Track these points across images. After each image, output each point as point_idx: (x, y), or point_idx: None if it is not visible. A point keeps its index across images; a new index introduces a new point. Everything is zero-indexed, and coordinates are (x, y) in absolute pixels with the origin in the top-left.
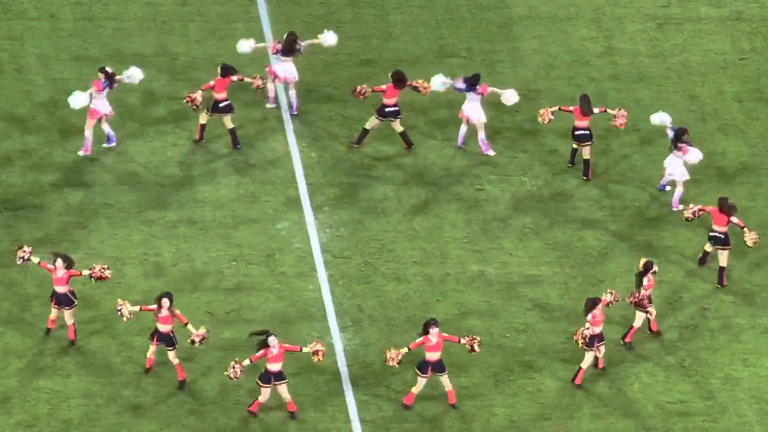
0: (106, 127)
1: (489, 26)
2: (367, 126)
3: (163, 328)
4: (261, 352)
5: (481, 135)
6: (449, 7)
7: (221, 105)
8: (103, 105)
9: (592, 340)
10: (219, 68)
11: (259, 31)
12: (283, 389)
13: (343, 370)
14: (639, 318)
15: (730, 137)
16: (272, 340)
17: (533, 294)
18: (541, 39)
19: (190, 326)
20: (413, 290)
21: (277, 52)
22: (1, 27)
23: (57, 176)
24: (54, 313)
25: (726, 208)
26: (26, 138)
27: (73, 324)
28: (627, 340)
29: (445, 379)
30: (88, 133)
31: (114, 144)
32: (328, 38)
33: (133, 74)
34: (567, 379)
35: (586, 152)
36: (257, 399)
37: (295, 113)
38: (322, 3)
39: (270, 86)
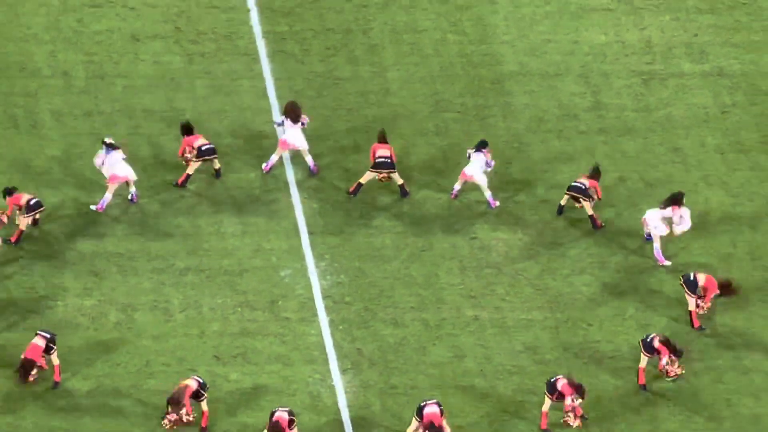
0: (131, 189)
1: (482, 82)
2: (362, 180)
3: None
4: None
5: (487, 193)
6: (444, 64)
7: (204, 149)
8: (121, 168)
9: (557, 392)
10: (181, 129)
11: (262, 87)
12: None
13: (344, 411)
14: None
15: (713, 187)
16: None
17: (525, 338)
18: (531, 94)
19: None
20: (411, 334)
21: (282, 123)
22: (17, 84)
23: (70, 226)
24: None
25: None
26: (41, 190)
27: (58, 366)
28: (641, 382)
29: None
30: (108, 195)
31: (135, 203)
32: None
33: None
34: (558, 420)
35: (587, 207)
36: None
37: (316, 173)
38: (322, 61)
39: (274, 157)
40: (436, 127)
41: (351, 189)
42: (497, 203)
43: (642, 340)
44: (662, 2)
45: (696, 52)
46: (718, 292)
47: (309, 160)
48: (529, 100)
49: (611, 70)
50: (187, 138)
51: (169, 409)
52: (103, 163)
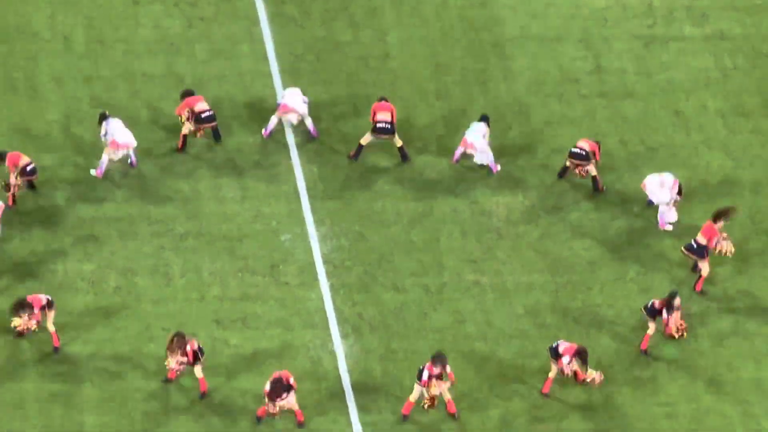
0: (131, 154)
1: (482, 45)
2: (362, 141)
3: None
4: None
5: (490, 158)
6: (444, 27)
7: (203, 116)
8: (122, 135)
9: (560, 356)
10: (181, 95)
11: (262, 51)
12: (291, 402)
13: (345, 375)
14: (651, 327)
15: (714, 151)
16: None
17: (526, 301)
18: (532, 57)
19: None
20: (411, 299)
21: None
22: (17, 48)
23: (69, 191)
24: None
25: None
26: (41, 154)
27: (55, 332)
28: (643, 347)
29: (445, 389)
30: (105, 158)
31: (134, 168)
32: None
33: (113, 130)
34: (558, 383)
35: (592, 169)
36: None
37: (316, 137)
38: (322, 24)
39: (273, 119)
40: (436, 91)
41: (352, 153)
42: (498, 168)
43: (644, 307)
44: None
45: (697, 15)
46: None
47: (309, 123)
48: (529, 64)
49: (612, 34)
50: (188, 99)
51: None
52: (105, 133)
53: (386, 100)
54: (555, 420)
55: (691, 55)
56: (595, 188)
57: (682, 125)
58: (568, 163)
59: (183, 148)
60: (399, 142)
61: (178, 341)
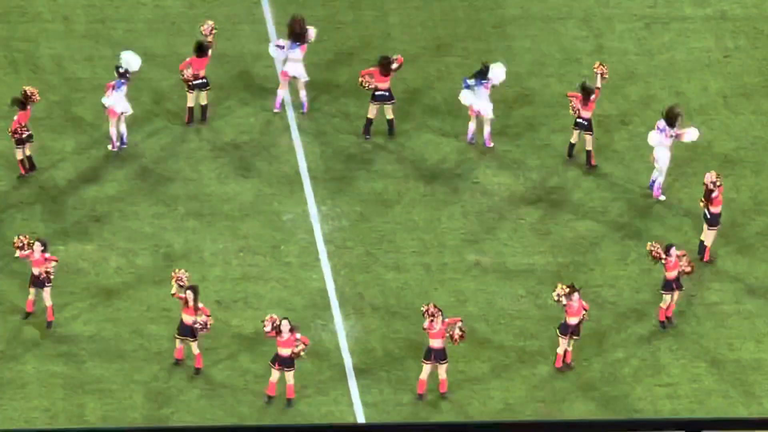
0: (122, 127)
1: (483, 26)
2: (369, 115)
3: (188, 319)
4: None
5: (488, 128)
6: (445, 8)
7: (197, 82)
8: (121, 104)
9: (566, 327)
10: (196, 48)
11: (264, 32)
12: (289, 375)
13: (346, 355)
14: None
15: (715, 131)
16: (285, 325)
17: (527, 282)
18: (533, 38)
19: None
20: (412, 279)
21: (282, 47)
22: (17, 29)
23: (71, 171)
24: (31, 294)
25: None
26: (41, 135)
27: (51, 307)
28: (662, 318)
29: (442, 368)
30: (113, 130)
31: (125, 146)
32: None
33: (129, 60)
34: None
35: (588, 142)
36: (270, 381)
37: (305, 112)
38: (324, 5)
39: (280, 92)
40: (437, 72)
41: (363, 131)
42: (492, 144)
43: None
44: None
45: None
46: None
47: (303, 95)
48: (531, 44)
49: (613, 14)
50: (195, 59)
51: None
52: (110, 95)
53: (387, 67)
54: (556, 401)
55: (692, 36)
56: (588, 162)
57: (684, 106)
58: (574, 139)
59: (190, 121)
60: (391, 114)
61: (194, 295)
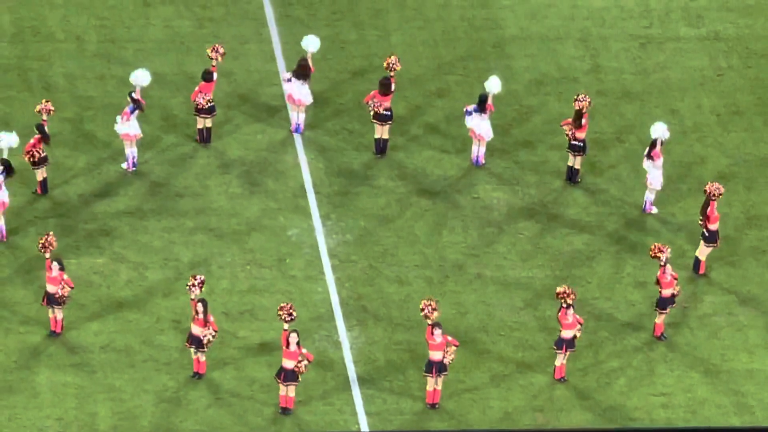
0: (134, 150)
1: (483, 46)
2: (376, 135)
3: (196, 330)
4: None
5: (483, 149)
6: (446, 28)
7: (199, 107)
8: (133, 128)
9: (561, 342)
10: (202, 75)
11: (270, 51)
12: (290, 389)
13: (350, 365)
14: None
15: (709, 148)
16: (293, 337)
17: (526, 294)
18: (532, 57)
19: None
20: (414, 291)
21: (290, 80)
22: (31, 48)
23: (82, 187)
24: (50, 312)
25: None
26: (54, 151)
27: (62, 320)
28: (657, 333)
29: (440, 380)
30: (128, 151)
31: (134, 169)
32: (310, 44)
33: (139, 76)
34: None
35: (577, 162)
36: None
37: (300, 133)
38: (329, 25)
39: (292, 115)
40: (438, 90)
41: (375, 150)
42: (484, 163)
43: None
44: None
45: (692, 17)
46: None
47: (302, 118)
48: (529, 64)
49: (610, 34)
50: (204, 85)
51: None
52: (127, 120)
53: (388, 88)
54: (554, 410)
55: (686, 55)
56: (574, 178)
57: (678, 123)
58: (574, 164)
59: (200, 141)
60: (386, 134)
61: (204, 308)
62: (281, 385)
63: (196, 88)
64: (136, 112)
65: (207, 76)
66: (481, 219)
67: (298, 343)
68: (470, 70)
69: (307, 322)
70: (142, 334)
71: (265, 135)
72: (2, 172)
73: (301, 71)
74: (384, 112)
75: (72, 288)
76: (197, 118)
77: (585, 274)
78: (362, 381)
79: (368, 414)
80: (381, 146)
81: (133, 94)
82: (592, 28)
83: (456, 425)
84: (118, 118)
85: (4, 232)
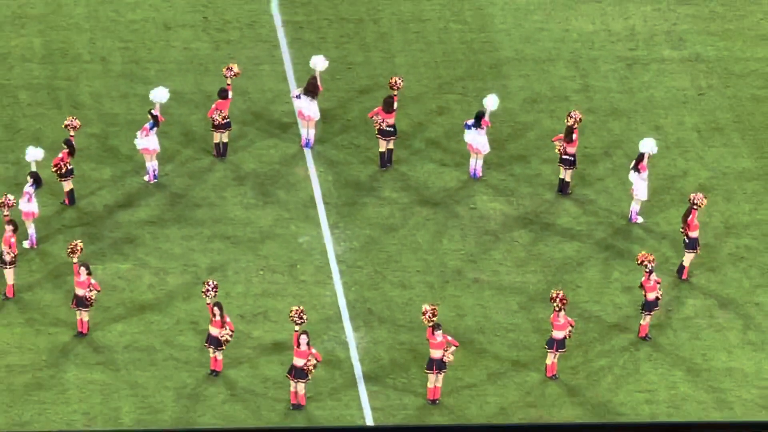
0: (155, 163)
1: (481, 67)
2: (381, 149)
3: (214, 331)
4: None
5: (481, 162)
6: (446, 50)
7: (216, 123)
8: (152, 143)
9: (552, 342)
10: (219, 93)
11: (282, 72)
12: (301, 386)
13: (356, 364)
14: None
15: (690, 162)
16: (303, 338)
17: (520, 298)
18: (526, 78)
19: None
20: (416, 295)
21: (298, 96)
22: (60, 69)
23: (107, 198)
24: (77, 315)
25: None
26: (81, 165)
27: (88, 321)
28: (642, 334)
29: (440, 377)
30: (149, 164)
31: (155, 181)
32: (318, 63)
33: (158, 94)
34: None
35: (568, 175)
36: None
37: (311, 147)
38: (337, 47)
39: (302, 131)
40: (439, 108)
41: (379, 164)
42: (481, 175)
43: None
44: None
45: (675, 40)
46: None
47: (311, 133)
48: (523, 83)
49: (598, 56)
50: (220, 102)
51: None
52: (146, 135)
53: (392, 105)
54: (546, 405)
55: (669, 76)
56: (565, 190)
57: (662, 139)
58: (567, 177)
59: (217, 154)
60: (391, 146)
61: (220, 310)
62: (292, 382)
63: (213, 106)
64: (155, 128)
65: (222, 94)
66: (478, 228)
67: (308, 344)
68: (469, 89)
69: (316, 323)
70: (163, 335)
71: (277, 149)
72: (32, 185)
73: (310, 89)
74: (387, 128)
75: (99, 291)
76: (214, 133)
77: (575, 279)
78: (368, 378)
79: (373, 409)
80: (386, 158)
81: (153, 111)
82: (582, 51)
83: (455, 420)
84: (138, 133)
85: (35, 239)
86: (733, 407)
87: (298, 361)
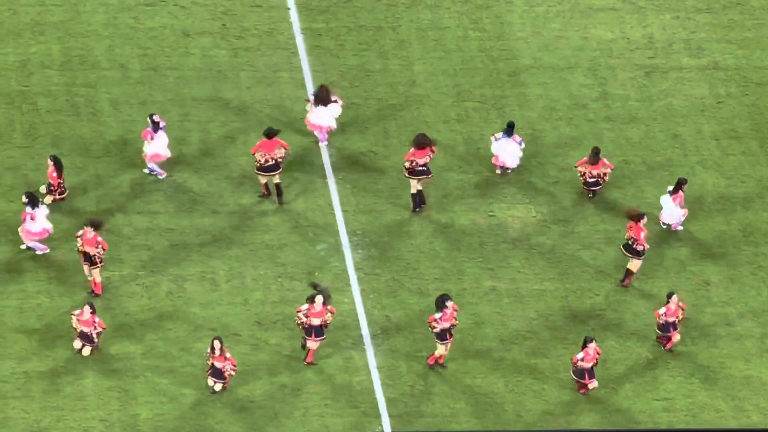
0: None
1: (500, 75)
2: (412, 190)
3: (218, 364)
4: (307, 306)
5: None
6: (465, 58)
7: (264, 166)
8: (162, 148)
9: (582, 372)
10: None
11: (300, 79)
12: (315, 344)
13: (374, 371)
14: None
15: (709, 171)
16: (318, 298)
17: (538, 306)
18: (544, 86)
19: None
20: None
21: (312, 101)
22: (78, 76)
23: (126, 205)
24: (86, 270)
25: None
26: (99, 172)
27: (101, 282)
28: (667, 347)
29: (448, 346)
30: (154, 166)
31: (163, 176)
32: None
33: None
34: (568, 380)
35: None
36: (309, 350)
37: (323, 143)
38: (356, 55)
39: (318, 134)
40: (457, 116)
41: (412, 207)
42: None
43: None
44: (663, 2)
45: (694, 48)
46: None
47: (324, 135)
48: (542, 91)
49: (617, 64)
50: (265, 141)
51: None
52: (151, 139)
53: (423, 142)
54: (564, 414)
55: (688, 84)
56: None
57: (680, 147)
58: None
59: (267, 194)
60: (420, 186)
61: (220, 346)
62: (310, 341)
63: (257, 146)
64: (159, 132)
65: (270, 135)
66: (496, 236)
67: (324, 303)
68: (487, 97)
69: (334, 330)
70: (180, 342)
71: (296, 157)
72: (28, 204)
73: (323, 97)
74: (420, 168)
75: (105, 249)
76: (259, 176)
77: (593, 287)
78: (385, 386)
79: (391, 416)
80: (419, 200)
81: (155, 116)
82: (600, 59)
83: (473, 426)
84: (146, 144)
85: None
86: (750, 415)
87: (315, 321)
